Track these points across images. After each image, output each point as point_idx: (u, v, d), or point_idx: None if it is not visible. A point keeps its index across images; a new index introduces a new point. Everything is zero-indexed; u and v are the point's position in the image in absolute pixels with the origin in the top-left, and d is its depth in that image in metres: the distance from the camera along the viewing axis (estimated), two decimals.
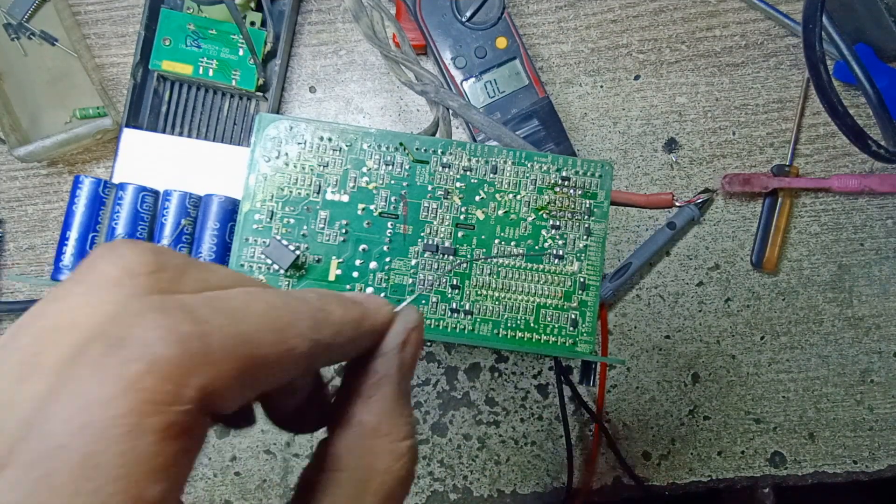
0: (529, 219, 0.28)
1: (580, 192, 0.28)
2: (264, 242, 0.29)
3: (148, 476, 0.11)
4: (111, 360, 0.11)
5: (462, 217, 0.28)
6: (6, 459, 0.11)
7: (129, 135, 0.41)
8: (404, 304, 0.18)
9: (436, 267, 0.28)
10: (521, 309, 0.27)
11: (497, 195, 0.28)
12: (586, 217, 0.28)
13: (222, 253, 0.30)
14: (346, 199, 0.29)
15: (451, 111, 0.42)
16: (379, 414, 0.16)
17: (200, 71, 0.42)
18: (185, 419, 0.11)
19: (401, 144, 0.28)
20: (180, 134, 0.43)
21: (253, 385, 0.13)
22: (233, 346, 0.12)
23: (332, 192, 0.29)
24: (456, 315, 0.28)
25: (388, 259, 0.29)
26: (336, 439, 0.16)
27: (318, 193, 0.29)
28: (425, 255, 0.28)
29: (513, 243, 0.28)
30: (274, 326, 0.13)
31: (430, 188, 0.28)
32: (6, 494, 0.10)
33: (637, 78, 0.45)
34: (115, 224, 0.33)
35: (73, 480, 0.10)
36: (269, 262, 0.28)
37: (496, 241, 0.28)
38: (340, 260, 0.29)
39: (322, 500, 0.15)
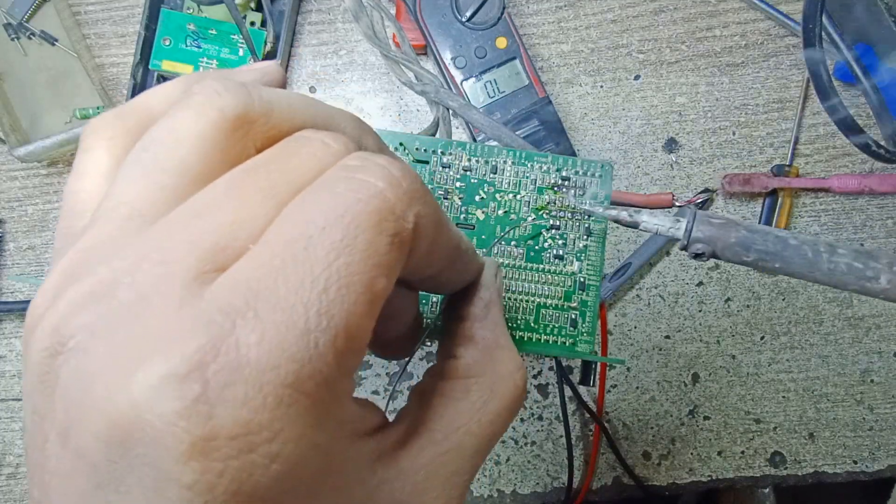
0: (529, 219, 0.28)
1: (580, 192, 0.28)
2: None
3: (380, 268, 0.13)
4: (359, 174, 0.13)
5: (462, 217, 0.28)
6: (237, 254, 0.12)
7: None
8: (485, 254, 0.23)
9: None
10: (520, 309, 0.27)
11: (497, 195, 0.28)
12: (586, 217, 0.28)
13: None
14: None
15: (451, 111, 0.42)
16: (495, 331, 0.19)
17: (200, 71, 0.42)
18: (407, 236, 0.13)
19: (401, 144, 0.28)
20: None
21: (433, 250, 0.15)
22: (433, 201, 0.15)
23: None
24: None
25: None
26: (463, 353, 0.19)
27: None
28: None
29: (513, 243, 0.28)
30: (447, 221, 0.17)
31: (429, 188, 0.28)
32: (266, 262, 0.12)
33: (637, 78, 0.45)
34: None
35: (329, 253, 0.12)
36: None
37: (496, 240, 0.28)
38: None
39: (453, 403, 0.18)
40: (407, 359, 0.24)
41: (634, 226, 0.25)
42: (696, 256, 0.24)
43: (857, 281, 0.23)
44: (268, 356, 0.11)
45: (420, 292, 0.24)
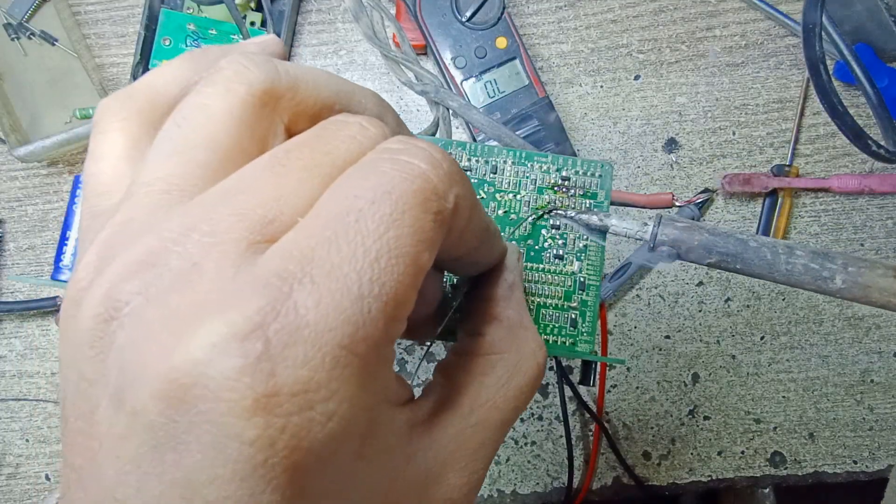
0: (530, 219, 0.28)
1: (580, 192, 0.28)
2: None
3: (425, 243, 0.13)
4: (403, 156, 0.14)
5: None
6: (285, 227, 0.13)
7: None
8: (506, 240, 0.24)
9: None
10: None
11: (497, 195, 0.28)
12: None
13: None
14: None
15: (451, 111, 0.42)
16: (519, 311, 0.20)
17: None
18: (447, 215, 0.14)
19: None
20: None
21: (467, 229, 0.16)
22: (469, 184, 0.15)
23: None
24: (456, 315, 0.28)
25: None
26: (489, 331, 0.19)
27: None
28: None
29: (513, 243, 0.28)
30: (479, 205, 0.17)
31: None
32: (318, 233, 0.12)
33: (637, 78, 0.45)
34: None
35: (380, 226, 0.12)
36: None
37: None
38: None
39: (479, 378, 0.18)
40: (429, 342, 0.25)
41: (604, 230, 0.26)
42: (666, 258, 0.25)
43: (814, 281, 0.24)
44: (325, 319, 0.11)
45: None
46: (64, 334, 0.13)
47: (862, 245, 0.45)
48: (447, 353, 0.20)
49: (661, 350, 0.45)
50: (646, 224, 0.26)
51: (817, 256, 0.24)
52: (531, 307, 0.27)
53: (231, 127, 0.14)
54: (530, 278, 0.28)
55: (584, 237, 0.28)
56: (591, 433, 0.44)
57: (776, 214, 0.44)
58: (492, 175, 0.28)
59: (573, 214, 0.27)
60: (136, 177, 0.14)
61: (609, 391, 0.44)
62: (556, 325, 0.27)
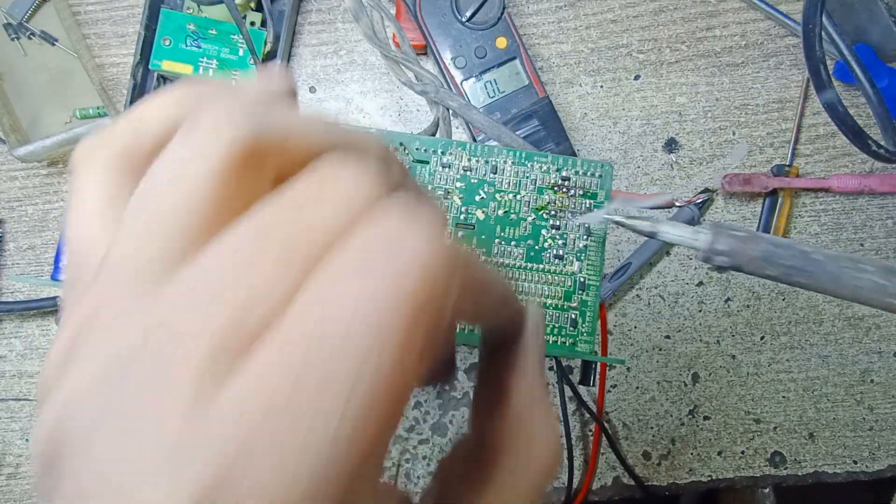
0: (529, 219, 0.28)
1: (580, 192, 0.28)
2: None
3: (414, 366, 0.11)
4: (395, 244, 0.12)
5: (462, 217, 0.28)
6: (255, 334, 0.11)
7: None
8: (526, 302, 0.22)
9: None
10: None
11: (497, 195, 0.28)
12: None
13: None
14: None
15: (451, 111, 0.42)
16: (532, 395, 0.18)
17: (200, 71, 0.42)
18: (446, 319, 0.12)
19: (401, 144, 0.28)
20: None
21: (476, 300, 0.15)
22: (477, 262, 0.14)
23: None
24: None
25: None
26: (498, 425, 0.17)
27: None
28: None
29: (513, 243, 0.28)
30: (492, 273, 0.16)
31: (430, 188, 0.28)
32: (287, 363, 0.11)
33: (637, 78, 0.45)
34: None
35: (357, 357, 0.11)
36: None
37: (496, 240, 0.28)
38: None
39: (484, 486, 0.16)
40: (445, 387, 0.24)
41: (653, 236, 0.25)
42: (719, 269, 0.24)
43: (883, 298, 0.22)
44: (282, 485, 0.10)
45: None
46: (34, 429, 0.12)
47: (862, 245, 0.45)
48: (450, 450, 0.18)
49: (661, 350, 0.45)
50: (699, 232, 0.24)
51: (886, 273, 0.22)
52: None
53: (209, 192, 0.12)
54: (530, 278, 0.28)
55: (584, 237, 0.28)
56: (591, 433, 0.44)
57: (776, 214, 0.44)
58: (492, 175, 0.28)
59: (624, 220, 0.25)
60: (107, 254, 0.13)
61: (609, 391, 0.44)
62: (556, 325, 0.27)
